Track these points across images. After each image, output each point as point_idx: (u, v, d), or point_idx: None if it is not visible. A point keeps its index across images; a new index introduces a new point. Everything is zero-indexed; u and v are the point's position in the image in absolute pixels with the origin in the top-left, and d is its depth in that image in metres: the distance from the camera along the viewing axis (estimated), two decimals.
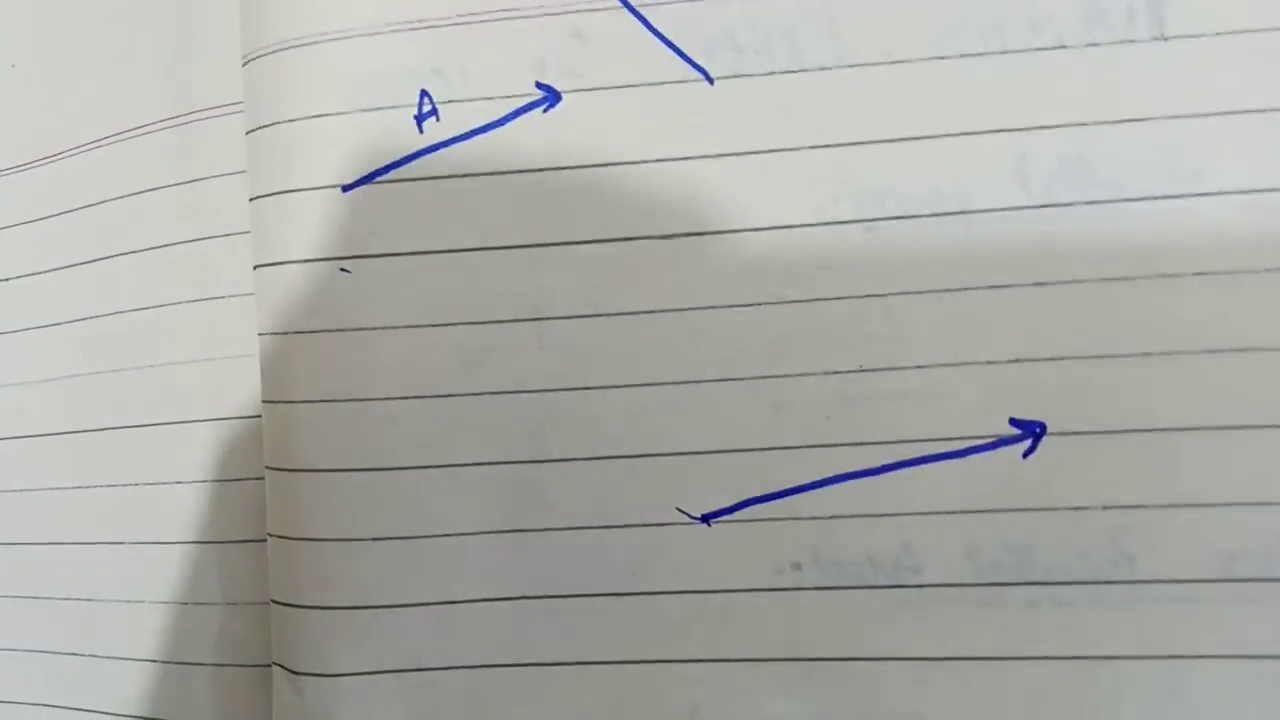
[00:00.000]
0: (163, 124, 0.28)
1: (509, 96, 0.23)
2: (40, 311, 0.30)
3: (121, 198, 0.29)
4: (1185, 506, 0.22)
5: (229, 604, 0.28)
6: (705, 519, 0.24)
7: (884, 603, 0.23)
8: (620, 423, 0.23)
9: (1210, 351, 0.22)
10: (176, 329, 0.28)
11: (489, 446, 0.24)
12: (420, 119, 0.23)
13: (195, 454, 0.28)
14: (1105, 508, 0.22)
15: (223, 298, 0.27)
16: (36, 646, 0.30)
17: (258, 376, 0.26)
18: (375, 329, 0.24)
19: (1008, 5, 0.22)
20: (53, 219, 0.30)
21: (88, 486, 0.29)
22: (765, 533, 0.23)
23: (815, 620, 0.23)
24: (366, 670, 0.25)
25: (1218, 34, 0.21)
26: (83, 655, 0.29)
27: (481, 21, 0.23)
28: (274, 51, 0.24)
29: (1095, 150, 0.22)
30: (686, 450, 0.23)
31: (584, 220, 0.23)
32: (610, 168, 0.23)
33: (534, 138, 0.23)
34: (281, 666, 0.25)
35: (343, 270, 0.24)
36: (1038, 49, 0.22)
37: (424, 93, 0.23)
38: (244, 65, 0.25)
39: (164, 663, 0.28)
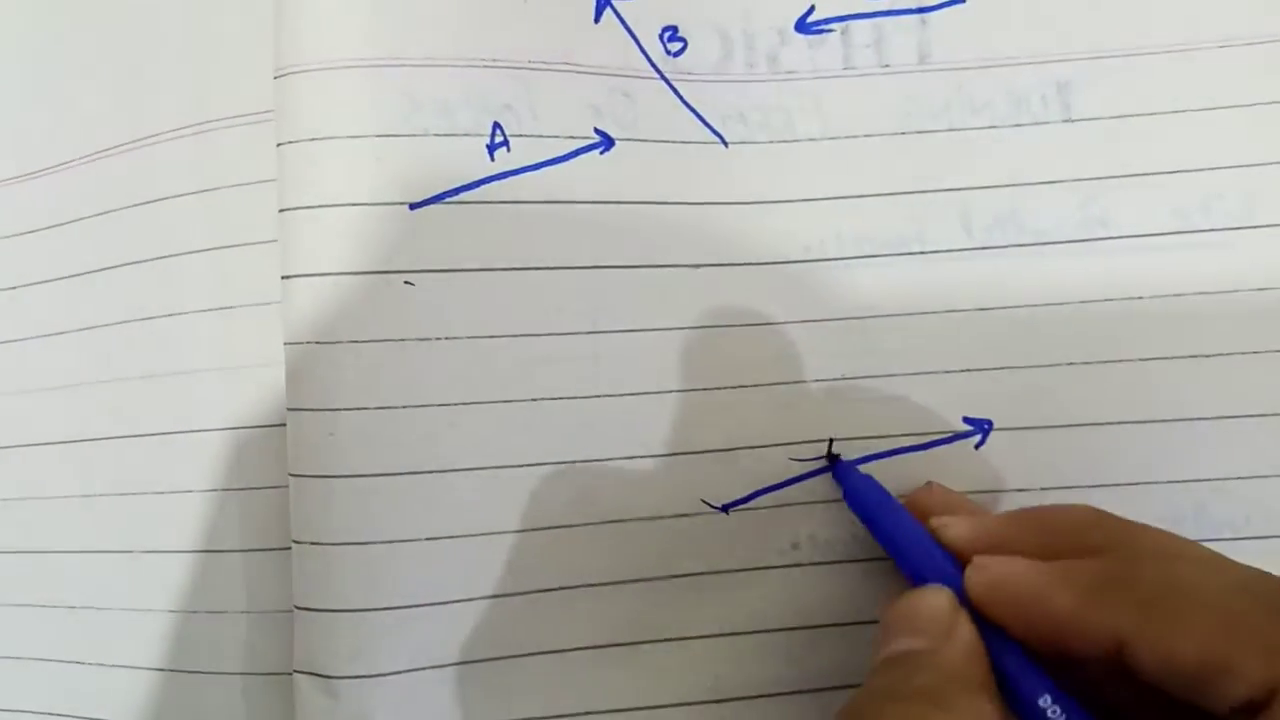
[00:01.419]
0: (177, 133, 0.28)
1: (572, 137, 0.26)
2: (51, 319, 0.29)
3: (135, 206, 0.28)
4: (1106, 486, 0.27)
5: (239, 613, 0.28)
6: (725, 508, 0.27)
7: (870, 574, 0.27)
8: (657, 424, 0.27)
9: (1122, 361, 0.27)
10: (188, 338, 0.28)
11: (541, 448, 0.26)
12: (492, 148, 0.26)
13: (206, 463, 0.27)
14: (1043, 489, 0.27)
15: (236, 307, 0.27)
16: (44, 655, 0.30)
17: (272, 386, 0.26)
18: (436, 339, 0.26)
19: (954, 94, 0.28)
20: (65, 226, 0.29)
21: (97, 495, 0.29)
22: (772, 518, 0.27)
23: (812, 592, 0.27)
24: (406, 669, 0.26)
25: (1112, 117, 0.28)
26: (90, 664, 0.29)
27: (550, 70, 0.27)
28: (318, 69, 0.25)
29: (1022, 205, 0.28)
30: (709, 448, 0.27)
31: (630, 248, 0.27)
32: (651, 205, 0.27)
33: (592, 174, 0.26)
34: (309, 673, 0.26)
35: (407, 283, 0.25)
36: (977, 127, 0.28)
37: (497, 124, 0.26)
38: (277, 78, 0.26)
39: (172, 671, 0.28)
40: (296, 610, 0.26)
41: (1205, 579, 0.19)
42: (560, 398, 0.26)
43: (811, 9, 0.28)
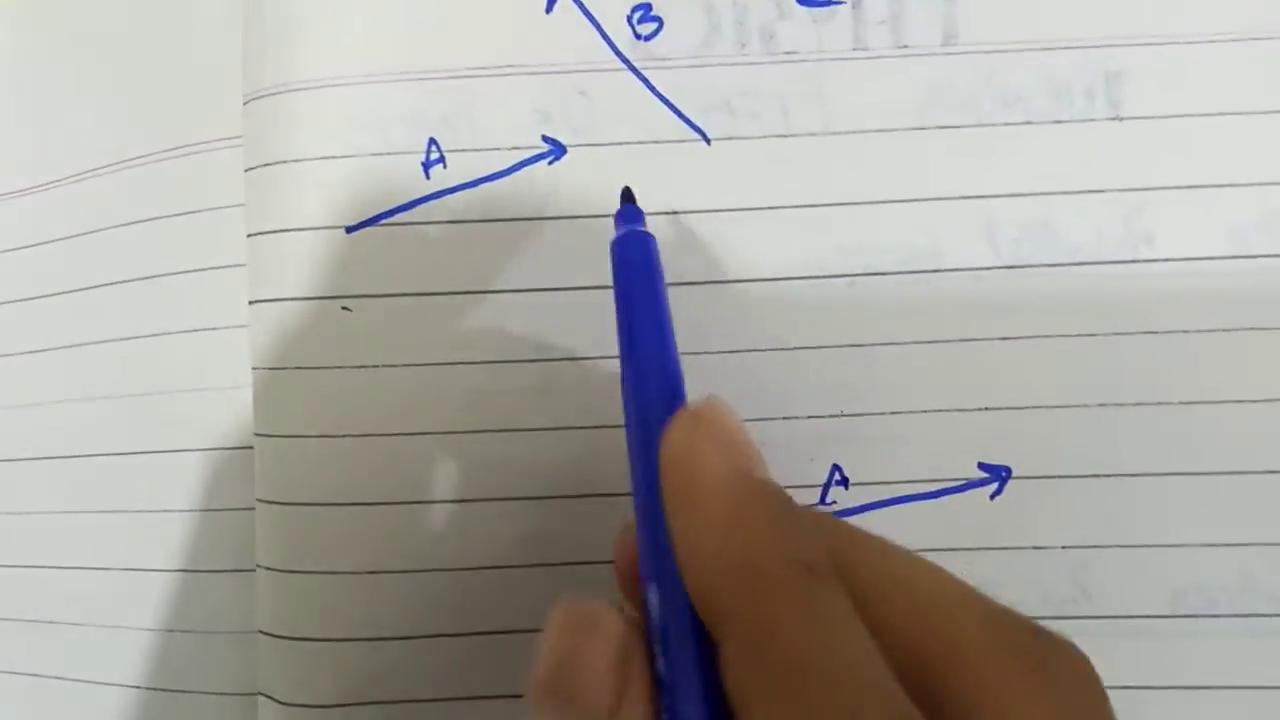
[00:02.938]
0: (163, 155, 0.28)
1: (516, 148, 0.24)
2: (33, 336, 0.30)
3: (119, 226, 0.28)
4: (1138, 547, 0.24)
5: (212, 632, 0.28)
6: None
7: None
8: (615, 461, 0.24)
9: (1159, 404, 0.24)
10: (169, 358, 0.28)
11: (490, 483, 0.24)
12: (427, 165, 0.24)
13: (183, 483, 0.28)
14: (1065, 547, 0.24)
15: (216, 329, 0.27)
16: (21, 669, 0.30)
17: (249, 408, 0.26)
18: (376, 366, 0.24)
19: (983, 83, 0.24)
20: (48, 245, 0.30)
21: (75, 511, 0.29)
22: None
23: None
24: (351, 701, 0.25)
25: (1166, 116, 0.23)
26: (68, 679, 0.29)
27: (490, 75, 0.24)
28: (277, 93, 0.25)
29: (1057, 216, 0.24)
30: None
31: (584, 267, 0.24)
32: (610, 219, 0.24)
33: (539, 188, 0.24)
34: (268, 696, 0.25)
35: (344, 309, 0.24)
36: (1008, 123, 0.24)
37: (432, 141, 0.24)
38: (245, 104, 0.26)
39: (150, 690, 0.28)
40: (258, 634, 0.26)
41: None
42: (505, 430, 0.24)
43: None
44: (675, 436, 0.16)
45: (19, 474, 0.30)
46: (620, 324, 0.19)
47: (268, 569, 0.25)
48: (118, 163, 0.29)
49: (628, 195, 0.22)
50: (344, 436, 0.24)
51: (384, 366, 0.24)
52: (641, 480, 0.17)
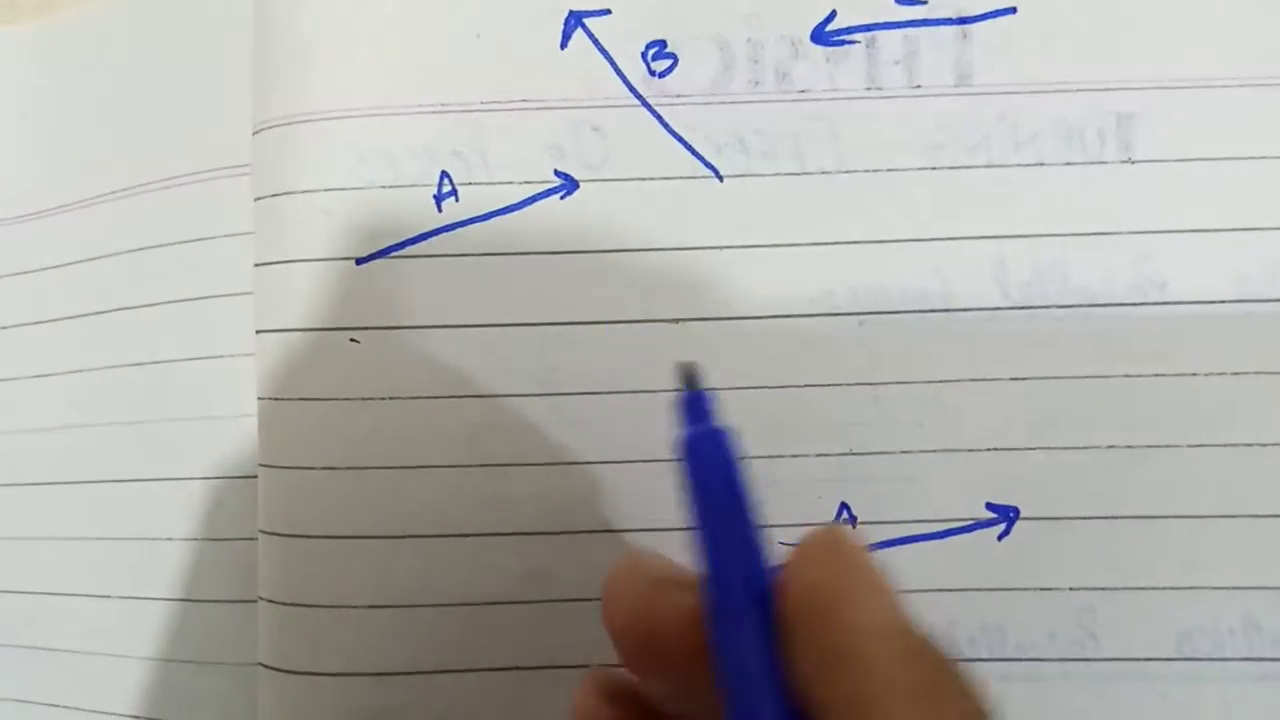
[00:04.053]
0: (172, 181, 0.28)
1: (528, 182, 0.24)
2: (38, 361, 0.30)
3: (126, 252, 0.28)
4: (1145, 589, 0.24)
5: (213, 663, 0.27)
6: None
7: None
8: (621, 497, 0.24)
9: (1167, 446, 0.24)
10: (175, 386, 0.28)
11: (495, 518, 0.24)
12: (439, 199, 0.24)
13: (186, 511, 0.27)
14: (1072, 589, 0.24)
15: (222, 357, 0.27)
16: (20, 696, 0.30)
17: (254, 438, 0.26)
18: (383, 399, 0.24)
19: (994, 124, 0.24)
20: (56, 270, 0.29)
21: (77, 538, 0.29)
22: None
23: None
24: None
25: (1178, 160, 0.23)
26: (66, 707, 0.29)
27: (504, 109, 0.24)
28: (286, 124, 0.25)
29: (1067, 258, 0.24)
30: (682, 526, 0.24)
31: (595, 302, 0.24)
32: (623, 254, 0.24)
33: (551, 222, 0.24)
34: None
35: (352, 340, 0.24)
36: (1020, 164, 0.24)
37: (444, 174, 0.24)
38: (255, 134, 0.26)
39: (145, 719, 0.28)
40: (258, 666, 0.25)
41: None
42: (510, 464, 0.24)
43: (833, 15, 0.24)
44: (816, 575, 0.14)
45: (21, 498, 0.30)
46: (699, 539, 0.16)
47: (269, 601, 0.25)
48: (127, 188, 0.29)
49: (689, 376, 0.18)
50: (349, 469, 0.24)
51: (391, 399, 0.24)
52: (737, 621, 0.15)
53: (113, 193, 0.29)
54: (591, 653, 0.24)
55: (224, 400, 0.27)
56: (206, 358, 0.27)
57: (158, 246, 0.28)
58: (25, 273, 0.30)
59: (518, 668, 0.24)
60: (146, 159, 0.28)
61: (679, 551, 0.24)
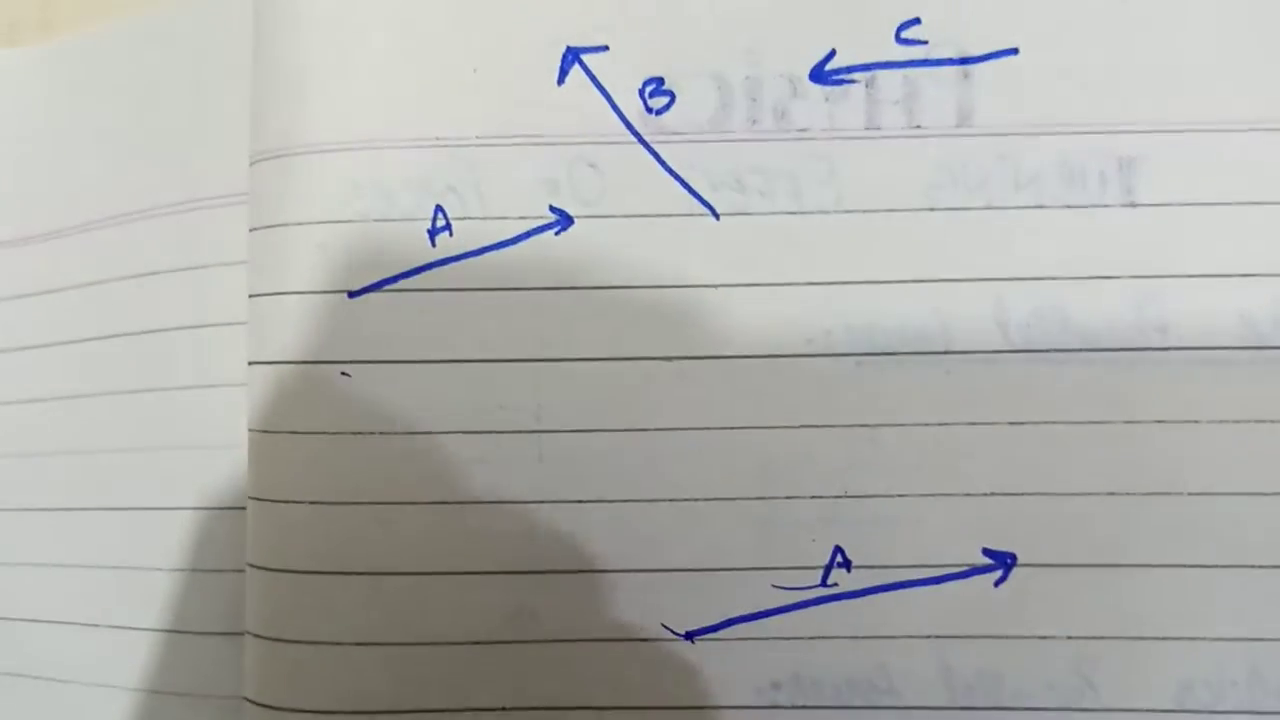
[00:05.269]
0: (170, 209, 0.28)
1: (523, 217, 0.24)
2: (30, 386, 0.30)
3: (122, 279, 0.28)
4: (1145, 639, 0.23)
5: (200, 695, 0.27)
6: (689, 636, 0.24)
7: None
8: (610, 537, 0.24)
9: (1169, 494, 0.23)
10: (167, 414, 0.28)
11: (483, 555, 0.24)
12: (433, 233, 0.24)
13: (177, 542, 0.27)
14: (1070, 637, 0.24)
15: (216, 386, 0.27)
16: None
17: (244, 470, 0.26)
18: (373, 434, 0.24)
19: (995, 165, 0.23)
20: (50, 295, 0.29)
21: (67, 565, 0.29)
22: (748, 652, 0.24)
23: None
24: None
25: (1183, 204, 0.23)
26: None
27: (500, 145, 0.24)
28: (282, 155, 0.25)
29: (1069, 301, 0.23)
30: (673, 567, 0.24)
31: (589, 339, 0.24)
32: (617, 290, 0.23)
33: (545, 258, 0.24)
34: None
35: (344, 374, 0.24)
36: (1020, 206, 0.23)
37: (439, 208, 0.24)
38: (252, 165, 0.25)
39: None
40: (243, 701, 0.25)
41: None
42: (500, 501, 0.24)
43: (832, 54, 0.23)
44: None
45: (10, 524, 0.30)
46: None
47: (255, 636, 0.25)
48: (124, 214, 0.29)
49: None
50: (338, 504, 0.24)
51: (381, 434, 0.24)
52: None
53: (111, 217, 0.29)
54: (577, 693, 0.24)
55: (219, 430, 0.27)
56: (202, 386, 0.27)
57: (155, 274, 0.28)
58: (20, 296, 0.30)
59: (503, 708, 0.24)
60: (146, 184, 0.28)
61: (666, 593, 0.24)
